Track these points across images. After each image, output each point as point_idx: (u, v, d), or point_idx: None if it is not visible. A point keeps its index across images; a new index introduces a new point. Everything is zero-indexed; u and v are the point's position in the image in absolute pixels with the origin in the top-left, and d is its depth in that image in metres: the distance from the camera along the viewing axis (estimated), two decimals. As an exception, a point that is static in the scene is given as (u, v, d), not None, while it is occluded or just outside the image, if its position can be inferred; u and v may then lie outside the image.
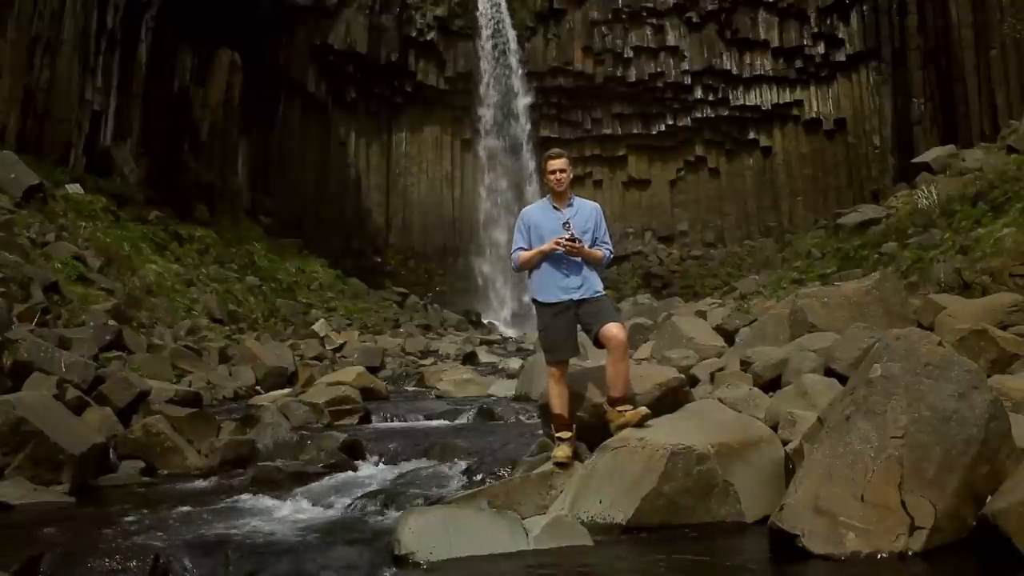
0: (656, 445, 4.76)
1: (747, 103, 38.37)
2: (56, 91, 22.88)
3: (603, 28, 38.26)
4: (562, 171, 5.52)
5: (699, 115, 38.82)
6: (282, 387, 12.62)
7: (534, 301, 5.64)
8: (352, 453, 7.28)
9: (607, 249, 5.62)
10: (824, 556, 3.70)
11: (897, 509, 3.74)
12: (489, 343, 24.10)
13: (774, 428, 5.45)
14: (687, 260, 38.13)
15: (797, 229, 35.69)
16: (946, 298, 9.14)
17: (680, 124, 38.99)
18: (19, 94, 21.78)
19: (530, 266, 5.55)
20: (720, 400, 6.25)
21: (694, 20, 37.69)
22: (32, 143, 21.86)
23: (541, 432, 6.24)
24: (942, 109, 30.62)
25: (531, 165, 37.33)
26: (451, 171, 39.17)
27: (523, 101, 38.45)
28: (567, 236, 5.35)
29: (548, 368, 5.52)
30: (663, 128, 39.13)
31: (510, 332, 30.46)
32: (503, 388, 12.46)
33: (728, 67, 37.90)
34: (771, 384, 7.32)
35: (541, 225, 5.54)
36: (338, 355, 17.32)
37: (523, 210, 5.83)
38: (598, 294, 5.47)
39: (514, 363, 16.38)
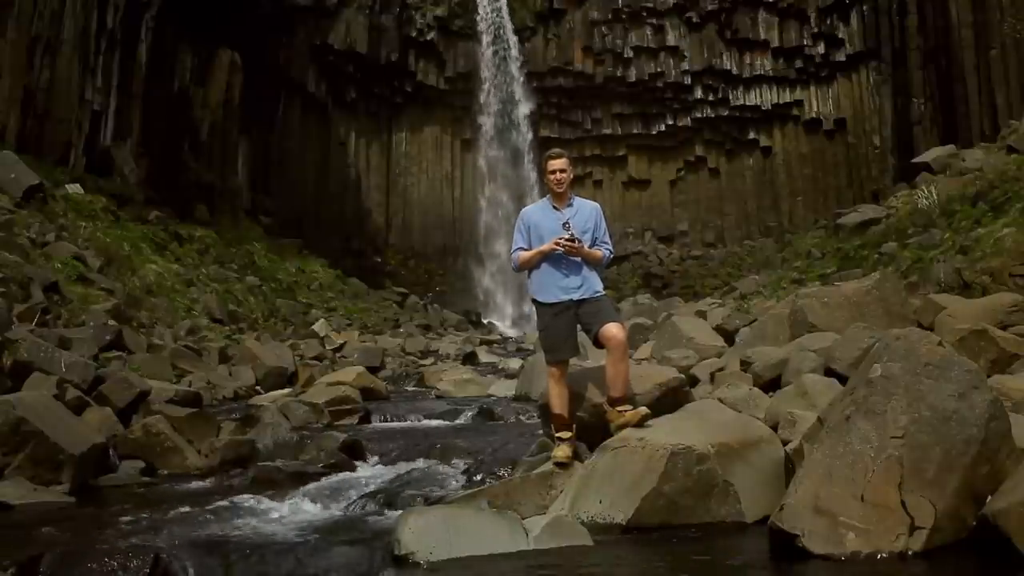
0: (656, 445, 4.76)
1: (747, 103, 38.37)
2: (56, 91, 22.88)
3: (603, 28, 38.26)
4: (562, 171, 5.52)
5: (699, 115, 38.82)
6: (282, 387, 12.62)
7: (534, 301, 5.64)
8: (352, 453, 7.28)
9: (607, 249, 5.62)
10: (824, 556, 3.70)
11: (897, 509, 3.74)
12: (489, 343, 24.11)
13: (774, 428, 5.45)
14: (687, 260, 38.13)
15: (797, 229, 35.69)
16: (946, 298, 9.14)
17: (680, 124, 38.99)
18: (19, 94, 21.78)
19: (530, 266, 5.55)
20: (720, 400, 6.25)
21: (694, 20, 37.69)
22: (32, 143, 21.86)
23: (541, 432, 6.24)
24: (942, 109, 30.62)
25: (532, 176, 37.16)
26: (451, 171, 39.17)
27: (523, 109, 38.27)
28: (567, 236, 5.35)
29: (548, 368, 5.52)
30: (663, 128, 39.13)
31: (510, 332, 30.47)
32: (503, 388, 12.46)
33: (728, 67, 37.90)
34: (771, 384, 7.32)
35: (541, 225, 5.54)
36: (338, 355, 17.32)
37: (523, 210, 5.84)
38: (598, 294, 5.47)
39: (514, 363, 16.39)
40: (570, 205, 5.59)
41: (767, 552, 3.99)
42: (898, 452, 3.82)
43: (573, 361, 5.66)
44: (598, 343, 5.37)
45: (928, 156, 23.50)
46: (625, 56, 38.15)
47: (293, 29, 34.41)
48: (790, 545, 3.79)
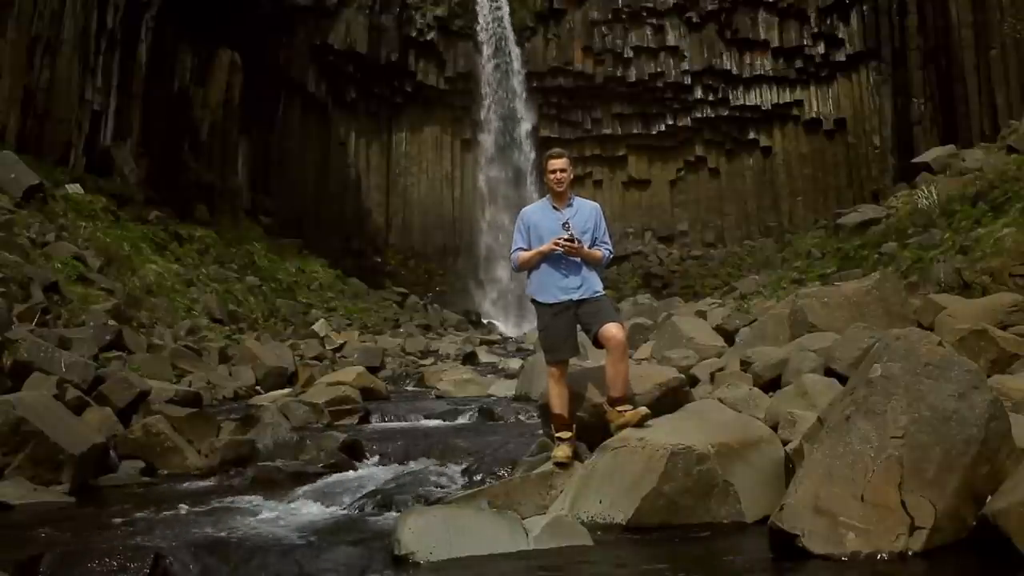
0: (656, 445, 4.76)
1: (747, 103, 38.38)
2: (56, 91, 22.88)
3: (603, 28, 38.27)
4: (562, 171, 5.51)
5: (699, 115, 38.83)
6: (282, 387, 12.62)
7: (533, 301, 5.63)
8: (352, 453, 7.28)
9: (607, 249, 5.62)
10: (824, 556, 3.70)
11: (897, 509, 3.74)
12: (489, 343, 24.11)
13: (774, 428, 5.45)
14: (687, 260, 38.14)
15: (797, 229, 35.69)
16: (946, 298, 9.13)
17: (680, 124, 38.99)
18: (19, 94, 21.78)
19: (529, 266, 5.55)
20: (720, 400, 6.25)
21: (694, 20, 37.70)
22: (32, 143, 21.86)
23: (541, 432, 6.24)
24: (942, 109, 30.62)
25: (534, 198, 36.96)
26: (451, 171, 39.17)
27: (524, 126, 38.08)
28: (566, 236, 5.35)
29: (548, 368, 5.52)
30: (663, 128, 39.14)
31: (510, 332, 30.46)
32: (503, 388, 12.45)
33: (728, 67, 37.90)
34: (771, 384, 7.31)
35: (540, 225, 5.54)
36: (338, 355, 17.32)
37: (523, 210, 5.83)
38: (597, 294, 5.47)
39: (514, 363, 16.38)
40: (570, 205, 5.58)
41: (767, 552, 3.98)
42: (898, 452, 3.82)
43: (573, 361, 5.66)
44: (598, 343, 5.37)
45: (928, 156, 23.50)
46: (625, 56, 38.15)
47: (293, 29, 34.41)
48: (790, 545, 3.79)
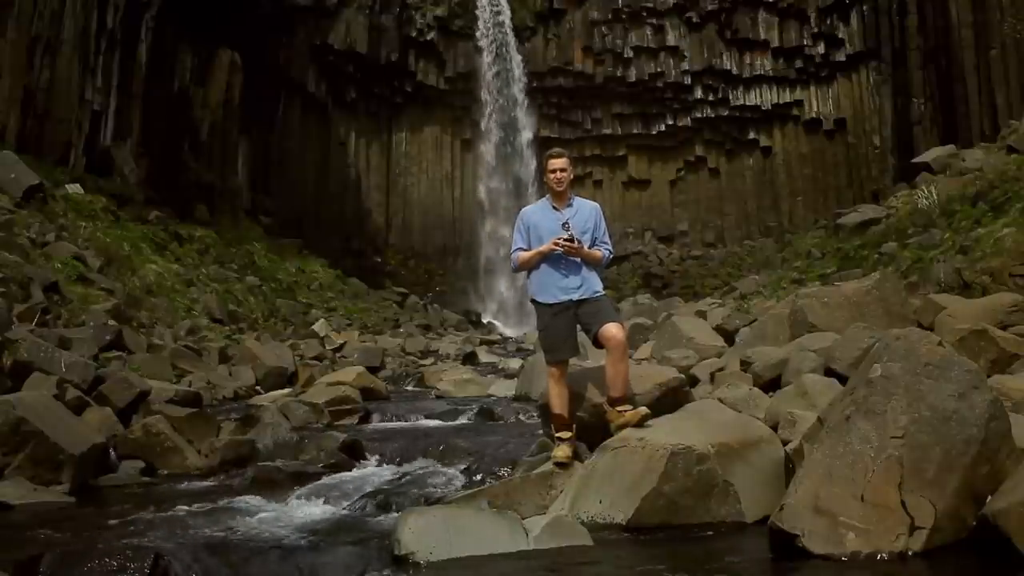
0: (656, 445, 4.76)
1: (747, 103, 38.37)
2: (56, 91, 22.87)
3: (603, 28, 38.26)
4: (562, 171, 5.51)
5: (699, 115, 38.82)
6: (282, 387, 12.62)
7: (533, 301, 5.63)
8: (352, 453, 7.28)
9: (607, 249, 5.61)
10: (824, 556, 3.70)
11: (897, 509, 3.74)
12: (489, 343, 24.10)
13: (774, 428, 5.45)
14: (687, 260, 38.14)
15: (797, 229, 35.69)
16: (946, 298, 9.14)
17: (680, 124, 38.99)
18: (19, 94, 21.78)
19: (529, 266, 5.55)
20: (720, 400, 6.25)
21: (694, 20, 37.69)
22: (32, 143, 21.86)
23: (541, 432, 6.24)
24: (942, 109, 30.62)
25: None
26: (451, 171, 39.17)
27: (525, 135, 37.96)
28: (566, 236, 5.35)
29: (548, 368, 5.52)
30: (663, 128, 39.13)
31: (510, 332, 30.45)
32: (503, 388, 12.45)
33: (728, 67, 37.89)
34: (771, 384, 7.32)
35: (540, 225, 5.54)
36: (338, 355, 17.31)
37: (522, 210, 5.82)
38: (597, 294, 5.47)
39: (514, 363, 16.37)
40: (570, 205, 5.58)
41: (767, 552, 3.98)
42: (898, 452, 3.82)
43: (573, 361, 5.66)
44: (598, 343, 5.37)
45: (928, 156, 23.50)
46: (625, 56, 38.14)
47: (293, 29, 34.41)
48: (790, 545, 3.79)
